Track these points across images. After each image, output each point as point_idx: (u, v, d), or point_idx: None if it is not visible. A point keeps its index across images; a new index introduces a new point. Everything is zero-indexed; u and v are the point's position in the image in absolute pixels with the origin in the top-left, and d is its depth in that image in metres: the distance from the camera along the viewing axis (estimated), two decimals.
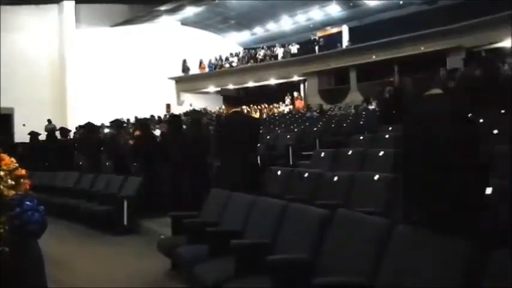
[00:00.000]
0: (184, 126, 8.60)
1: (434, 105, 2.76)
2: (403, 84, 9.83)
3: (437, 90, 2.88)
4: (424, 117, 2.73)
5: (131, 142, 8.70)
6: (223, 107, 23.33)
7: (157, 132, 14.20)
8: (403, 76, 14.17)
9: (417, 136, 2.70)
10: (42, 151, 10.64)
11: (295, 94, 21.58)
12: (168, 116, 17.06)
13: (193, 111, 13.00)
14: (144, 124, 9.09)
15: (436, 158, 2.55)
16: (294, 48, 22.12)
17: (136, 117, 20.67)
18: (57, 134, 11.46)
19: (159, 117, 20.69)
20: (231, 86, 23.91)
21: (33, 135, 11.54)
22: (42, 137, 11.64)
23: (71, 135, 13.15)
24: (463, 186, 2.47)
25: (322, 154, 6.56)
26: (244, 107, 21.54)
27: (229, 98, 5.73)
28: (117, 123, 9.84)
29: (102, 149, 9.64)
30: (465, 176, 2.49)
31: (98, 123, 15.21)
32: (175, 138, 7.11)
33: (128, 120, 20.52)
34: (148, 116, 20.44)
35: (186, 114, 17.14)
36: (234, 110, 5.40)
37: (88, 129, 9.91)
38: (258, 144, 5.97)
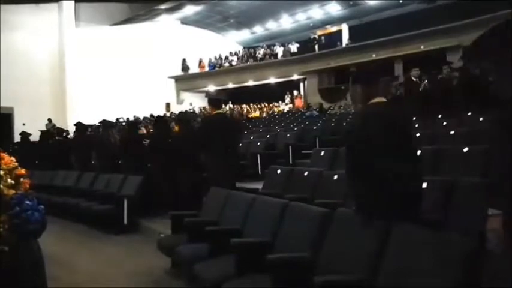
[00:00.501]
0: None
1: (374, 112, 3.09)
2: (410, 79, 9.85)
3: (381, 99, 3.16)
4: (364, 124, 3.10)
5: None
6: (222, 105, 23.49)
7: None
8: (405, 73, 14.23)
9: (360, 140, 3.05)
10: (33, 151, 10.67)
11: (295, 93, 21.58)
12: (151, 117, 17.14)
13: (182, 112, 13.40)
14: (132, 125, 9.26)
15: (375, 159, 2.90)
16: (294, 47, 22.13)
17: (137, 117, 20.70)
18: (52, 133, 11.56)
19: (158, 116, 20.71)
20: (230, 85, 23.94)
21: (24, 135, 11.70)
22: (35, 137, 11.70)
23: (71, 134, 13.19)
24: (396, 184, 2.81)
25: (322, 153, 6.55)
26: (244, 105, 21.68)
27: (213, 100, 6.04)
28: (104, 124, 9.85)
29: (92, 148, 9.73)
30: (398, 175, 2.82)
31: (97, 122, 15.24)
32: (163, 138, 7.37)
33: (127, 119, 20.52)
34: (148, 115, 20.46)
35: (178, 114, 17.14)
36: (216, 111, 5.78)
37: (78, 129, 10.02)
38: (239, 144, 6.32)
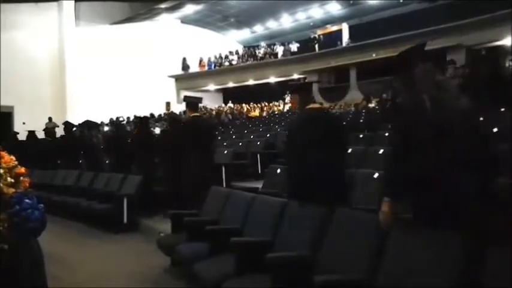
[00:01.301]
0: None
1: (309, 116, 3.76)
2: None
3: (315, 105, 3.93)
4: (299, 126, 3.83)
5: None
6: (222, 105, 23.51)
7: (157, 130, 14.23)
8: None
9: (294, 138, 3.78)
10: (21, 150, 10.80)
11: None
12: (136, 118, 17.20)
13: (171, 112, 13.72)
14: (118, 125, 9.30)
15: (304, 156, 3.60)
16: (294, 47, 22.10)
17: (135, 117, 20.65)
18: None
19: (159, 115, 20.72)
20: (231, 84, 23.93)
21: (13, 134, 12.02)
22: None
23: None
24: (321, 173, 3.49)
25: None
26: (244, 105, 21.69)
27: (190, 103, 6.20)
28: (88, 124, 9.96)
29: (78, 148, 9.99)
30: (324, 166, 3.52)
31: (97, 121, 15.24)
32: (147, 138, 7.66)
33: (128, 118, 20.52)
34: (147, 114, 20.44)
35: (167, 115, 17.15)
36: (194, 114, 5.91)
37: (66, 128, 10.23)
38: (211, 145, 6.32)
